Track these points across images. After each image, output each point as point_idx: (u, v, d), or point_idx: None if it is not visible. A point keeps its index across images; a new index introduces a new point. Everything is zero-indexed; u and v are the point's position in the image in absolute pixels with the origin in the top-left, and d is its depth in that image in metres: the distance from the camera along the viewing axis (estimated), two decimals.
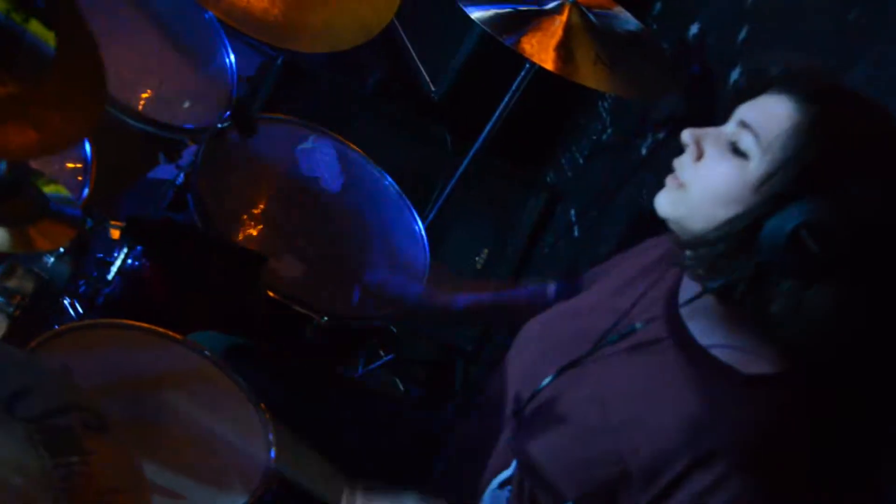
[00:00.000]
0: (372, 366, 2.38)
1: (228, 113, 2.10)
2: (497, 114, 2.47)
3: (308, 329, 1.98)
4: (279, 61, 2.79)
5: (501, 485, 1.48)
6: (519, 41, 2.10)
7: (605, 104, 2.96)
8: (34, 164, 1.61)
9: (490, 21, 2.13)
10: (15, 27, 1.15)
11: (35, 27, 1.19)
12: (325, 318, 1.96)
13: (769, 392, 1.27)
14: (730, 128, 1.27)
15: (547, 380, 1.41)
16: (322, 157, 2.33)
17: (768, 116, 1.23)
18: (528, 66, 2.37)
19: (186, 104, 2.09)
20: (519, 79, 2.40)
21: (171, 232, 1.98)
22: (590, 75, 2.12)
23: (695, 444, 1.24)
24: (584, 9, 2.23)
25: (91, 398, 1.19)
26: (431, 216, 2.63)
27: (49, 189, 1.57)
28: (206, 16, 2.18)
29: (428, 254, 2.29)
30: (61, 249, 1.74)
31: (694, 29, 2.51)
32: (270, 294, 1.93)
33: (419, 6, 2.82)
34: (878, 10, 1.83)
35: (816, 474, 1.26)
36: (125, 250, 1.90)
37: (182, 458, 1.49)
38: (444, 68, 2.99)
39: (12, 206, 1.39)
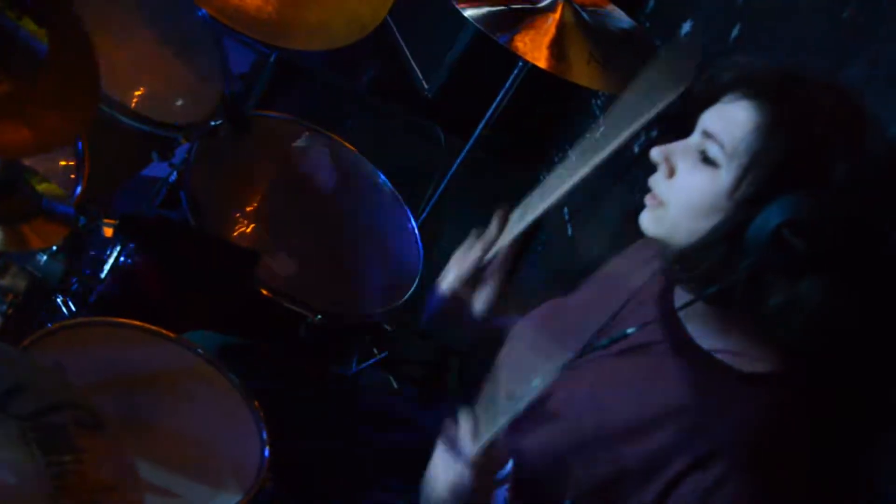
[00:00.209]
0: (365, 364, 2.38)
1: (222, 110, 2.10)
2: (490, 111, 2.47)
3: (301, 327, 1.98)
4: (273, 59, 2.79)
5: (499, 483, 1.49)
6: (512, 39, 2.10)
7: (599, 102, 2.96)
8: (27, 162, 1.61)
9: (483, 19, 2.13)
10: (8, 25, 1.15)
11: (28, 25, 1.18)
12: (319, 316, 1.96)
13: (767, 391, 1.27)
14: (695, 139, 1.27)
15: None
16: (316, 155, 2.33)
17: (729, 122, 1.23)
18: (521, 63, 2.37)
19: (179, 102, 2.09)
20: (512, 77, 2.40)
21: (164, 230, 1.97)
22: (583, 73, 2.13)
23: (694, 444, 1.24)
24: (577, 7, 2.24)
25: (84, 396, 1.19)
26: (425, 214, 2.63)
27: (42, 187, 1.57)
28: (200, 13, 2.18)
29: (421, 251, 2.29)
30: (54, 247, 1.73)
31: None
32: (264, 292, 1.93)
33: (413, 4, 2.82)
34: (873, 7, 1.83)
35: (815, 473, 1.27)
36: (118, 248, 1.89)
37: (176, 457, 1.49)
38: (437, 66, 2.99)
39: (5, 204, 1.38)
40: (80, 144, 1.84)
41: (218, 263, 1.93)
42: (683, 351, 1.32)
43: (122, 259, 1.89)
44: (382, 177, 2.39)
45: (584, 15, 2.24)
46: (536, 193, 1.53)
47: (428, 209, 2.65)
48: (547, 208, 1.50)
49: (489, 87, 2.48)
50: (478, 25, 2.12)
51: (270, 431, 1.59)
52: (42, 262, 1.77)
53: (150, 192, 2.20)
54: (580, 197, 2.83)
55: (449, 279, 1.57)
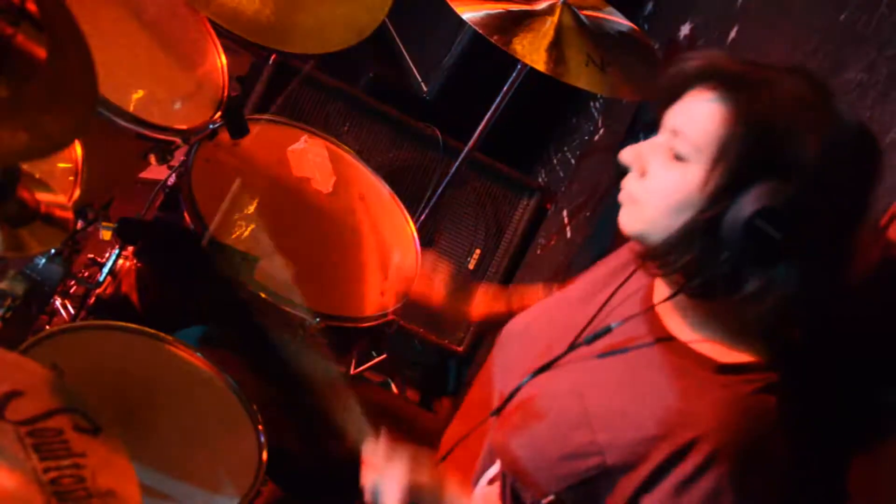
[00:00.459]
0: (364, 366, 2.38)
1: (220, 113, 2.10)
2: (489, 114, 2.47)
3: (299, 330, 1.97)
4: (270, 62, 2.79)
5: (490, 481, 1.49)
6: (510, 42, 2.10)
7: (597, 104, 2.97)
8: (25, 166, 1.61)
9: (482, 22, 2.13)
10: (5, 30, 1.15)
11: (25, 29, 1.18)
12: (317, 320, 1.96)
13: (746, 379, 1.28)
14: (663, 137, 1.28)
15: (527, 378, 1.42)
16: (313, 158, 2.33)
17: (694, 117, 1.24)
18: (519, 66, 2.37)
19: (177, 105, 2.08)
20: (511, 79, 2.40)
21: (162, 233, 1.97)
22: (581, 76, 2.12)
23: (674, 433, 1.25)
24: (575, 10, 2.24)
25: (82, 400, 1.19)
26: (423, 217, 2.63)
27: (40, 191, 1.57)
28: (198, 16, 2.18)
29: (420, 254, 2.29)
30: (52, 251, 1.73)
31: (685, 29, 2.51)
32: (262, 295, 1.93)
33: (411, 7, 2.83)
34: (871, 10, 1.83)
35: (796, 463, 1.27)
36: (116, 251, 1.90)
37: (174, 460, 1.49)
38: (436, 69, 3.00)
39: (2, 208, 1.38)
40: (77, 148, 1.84)
41: (215, 267, 1.93)
42: (663, 344, 1.33)
43: (120, 262, 1.89)
44: (380, 179, 2.39)
45: (583, 18, 2.24)
46: None
47: (426, 211, 2.65)
48: None
49: (487, 89, 2.48)
50: (476, 28, 2.12)
51: (268, 435, 1.59)
52: (40, 266, 1.77)
53: (148, 196, 2.20)
54: (579, 198, 2.84)
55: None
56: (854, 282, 1.28)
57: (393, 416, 1.90)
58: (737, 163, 1.19)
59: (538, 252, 3.01)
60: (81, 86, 1.28)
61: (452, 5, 2.15)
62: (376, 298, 2.17)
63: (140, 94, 2.02)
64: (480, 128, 2.50)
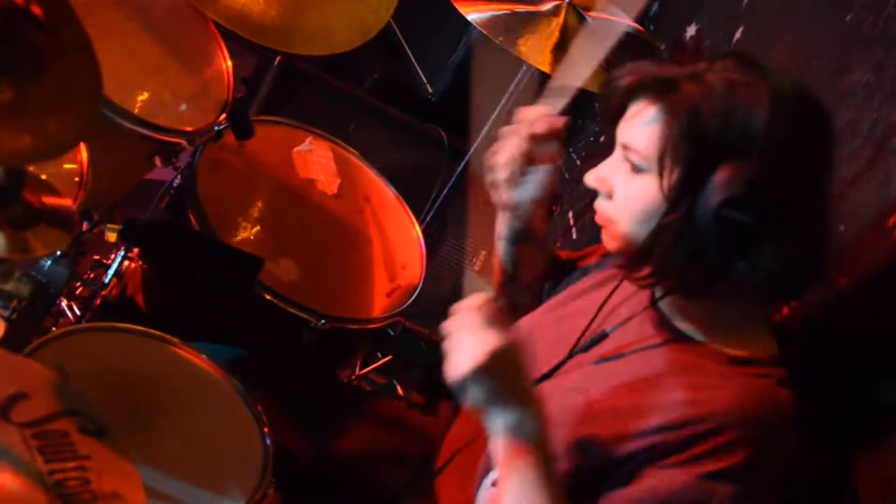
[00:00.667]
0: (369, 368, 2.38)
1: (225, 115, 2.10)
2: (494, 114, 2.47)
3: (305, 332, 1.98)
4: (276, 63, 2.79)
5: (494, 483, 1.48)
6: (515, 43, 2.10)
7: (602, 105, 2.96)
8: (30, 167, 1.61)
9: (487, 23, 2.13)
10: (10, 31, 1.15)
11: (30, 31, 1.18)
12: (322, 321, 1.96)
13: (759, 372, 1.28)
14: (618, 153, 1.31)
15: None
16: (319, 159, 2.33)
17: (639, 129, 1.26)
18: (524, 67, 2.37)
19: (183, 107, 2.09)
20: (516, 80, 2.40)
21: (167, 234, 1.97)
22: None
23: (691, 422, 1.24)
24: (580, 11, 2.23)
25: (88, 403, 1.19)
26: (429, 218, 2.63)
27: (45, 192, 1.57)
28: (203, 18, 2.18)
29: (425, 255, 2.29)
30: (58, 252, 1.73)
31: (691, 30, 2.51)
32: (267, 297, 1.93)
33: (416, 8, 2.83)
34: (877, 12, 1.83)
35: (803, 455, 1.27)
36: (122, 253, 1.90)
37: (179, 462, 1.49)
38: (441, 69, 2.99)
39: (8, 210, 1.38)
40: (83, 150, 1.84)
41: (222, 269, 1.93)
42: (672, 343, 1.33)
43: (125, 264, 1.89)
44: (386, 180, 2.39)
45: (588, 19, 2.24)
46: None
47: (432, 213, 2.64)
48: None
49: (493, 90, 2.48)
50: (481, 29, 2.12)
51: (274, 436, 1.59)
52: (46, 267, 1.77)
53: (154, 197, 2.20)
54: (585, 200, 2.83)
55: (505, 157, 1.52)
56: (861, 281, 1.28)
57: (400, 424, 1.90)
58: (686, 160, 1.20)
59: None
60: (86, 88, 1.28)
61: (457, 7, 2.15)
62: (382, 300, 2.18)
63: (145, 95, 2.03)
64: (486, 128, 2.50)
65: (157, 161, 2.08)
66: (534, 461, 1.20)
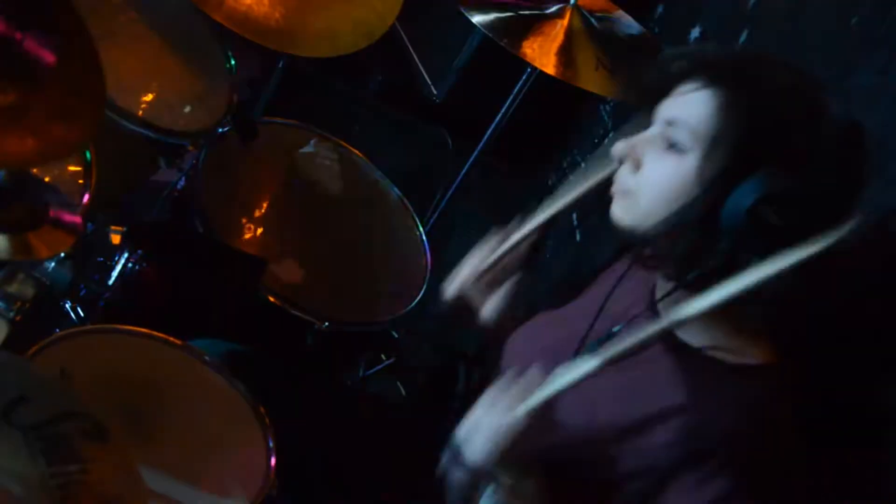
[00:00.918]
0: (373, 370, 2.38)
1: (229, 117, 2.10)
2: (499, 117, 2.47)
3: (309, 334, 1.97)
4: (280, 65, 2.79)
5: (495, 491, 1.48)
6: (520, 45, 2.10)
7: (607, 107, 2.96)
8: (35, 170, 1.61)
9: (491, 25, 2.13)
10: (14, 35, 1.15)
11: (34, 35, 1.19)
12: (326, 324, 1.96)
13: (754, 382, 1.27)
14: (657, 129, 1.27)
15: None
16: (323, 161, 2.33)
17: (690, 107, 1.23)
18: (529, 69, 2.37)
19: (187, 109, 2.09)
20: (521, 82, 2.40)
21: (171, 236, 1.98)
22: (591, 80, 2.12)
23: (686, 441, 1.24)
24: (585, 13, 2.23)
25: (90, 406, 1.19)
26: (433, 220, 2.63)
27: (49, 194, 1.57)
28: (208, 20, 2.18)
29: (429, 258, 2.29)
30: (62, 254, 1.74)
31: (695, 32, 2.50)
32: (271, 299, 1.93)
33: (421, 9, 2.82)
34: (882, 15, 1.83)
35: (810, 467, 1.27)
36: (126, 255, 1.90)
37: (182, 465, 1.49)
38: (446, 71, 2.99)
39: (12, 212, 1.39)
40: (87, 152, 1.84)
41: (225, 270, 1.93)
42: (670, 348, 1.32)
43: (129, 266, 1.89)
44: (390, 183, 2.39)
45: (593, 21, 2.24)
46: (549, 199, 1.54)
47: (436, 215, 2.64)
48: (556, 212, 1.51)
49: (497, 92, 2.47)
50: (486, 32, 2.12)
51: (277, 439, 1.59)
52: (50, 269, 1.77)
53: (158, 199, 2.21)
54: (589, 202, 2.82)
55: (460, 279, 1.57)
56: (860, 282, 1.27)
57: (404, 427, 1.90)
58: (734, 150, 1.18)
59: (547, 255, 3.00)
60: (91, 91, 1.28)
61: (462, 9, 2.15)
62: (385, 302, 2.17)
63: (150, 97, 2.03)
64: (490, 130, 2.49)
65: (162, 162, 2.09)
66: None
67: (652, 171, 1.26)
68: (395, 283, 2.23)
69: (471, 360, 2.87)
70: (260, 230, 2.14)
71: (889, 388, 1.41)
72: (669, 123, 1.25)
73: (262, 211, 2.18)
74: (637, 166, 1.28)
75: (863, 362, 1.43)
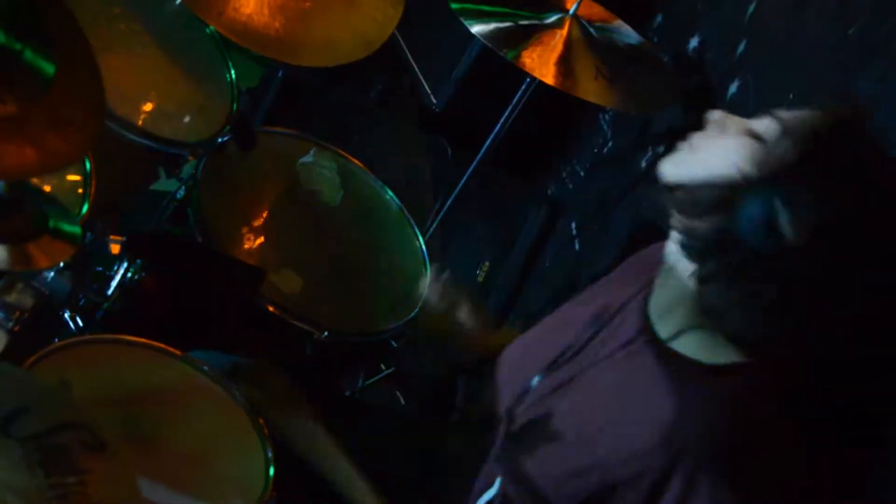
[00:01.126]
0: (372, 380, 2.38)
1: (229, 127, 2.10)
2: (498, 126, 2.47)
3: (308, 344, 1.97)
4: (280, 75, 2.79)
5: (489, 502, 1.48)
6: (520, 55, 2.10)
7: (606, 117, 2.96)
8: (34, 179, 1.61)
9: (491, 35, 2.13)
10: (13, 47, 1.15)
11: (34, 45, 1.19)
12: (325, 333, 1.95)
13: (733, 381, 1.28)
14: (757, 122, 1.28)
15: (529, 396, 1.42)
16: (322, 171, 2.33)
17: (798, 117, 1.24)
18: (528, 79, 2.37)
19: (187, 118, 2.09)
20: (520, 92, 2.40)
21: (170, 246, 1.97)
22: (590, 89, 2.12)
23: (666, 444, 1.24)
24: (584, 23, 2.23)
25: (88, 416, 1.19)
26: (432, 229, 2.63)
27: (49, 204, 1.57)
28: (207, 30, 2.19)
29: (428, 267, 2.29)
30: (61, 264, 1.73)
31: (694, 42, 2.51)
32: (270, 309, 1.93)
33: (421, 19, 2.83)
34: (880, 24, 1.83)
35: (792, 466, 1.27)
36: (125, 264, 1.89)
37: (180, 476, 1.48)
38: (445, 81, 2.99)
39: (11, 223, 1.38)
40: (87, 161, 1.85)
41: (224, 280, 1.92)
42: (652, 348, 1.33)
43: (128, 276, 1.89)
44: (389, 192, 2.39)
45: (592, 31, 2.24)
46: None
47: (435, 224, 2.64)
48: None
49: (497, 101, 2.48)
50: (485, 42, 2.12)
51: (275, 450, 1.58)
52: (49, 279, 1.77)
53: (157, 208, 2.21)
54: (588, 211, 2.83)
55: None
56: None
57: (402, 437, 1.90)
58: (802, 164, 1.19)
59: (547, 265, 3.01)
60: (90, 102, 1.28)
61: (462, 19, 2.15)
62: (385, 312, 2.17)
63: (149, 107, 2.03)
64: (489, 140, 2.50)
65: (162, 172, 2.09)
66: None
67: (727, 142, 1.27)
68: (393, 293, 2.23)
69: (470, 370, 2.87)
70: (259, 240, 2.14)
71: (889, 387, 1.40)
72: (772, 117, 1.26)
73: (262, 221, 2.18)
74: (721, 131, 1.29)
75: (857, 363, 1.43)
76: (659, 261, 1.42)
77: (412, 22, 2.34)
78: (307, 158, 2.31)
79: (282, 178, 2.29)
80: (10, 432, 1.08)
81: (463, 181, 2.60)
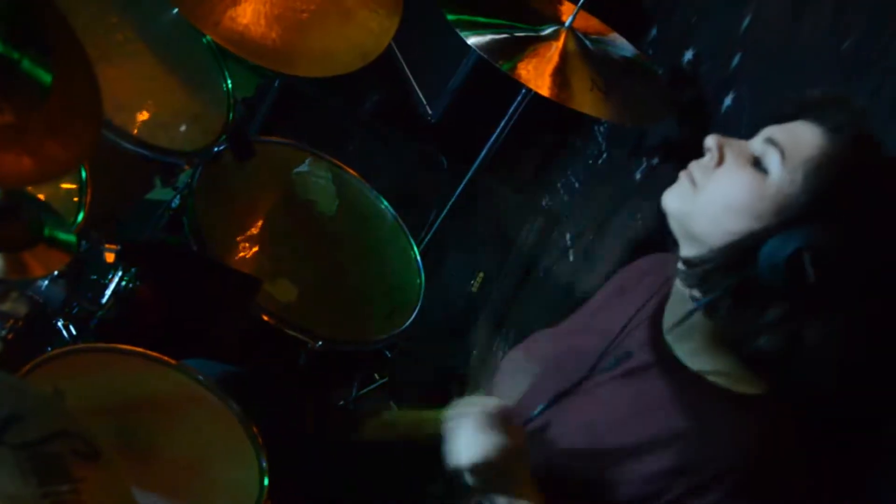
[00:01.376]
0: (366, 389, 2.38)
1: (225, 136, 2.11)
2: (493, 137, 2.48)
3: (302, 353, 1.97)
4: (276, 84, 2.79)
5: None
6: (515, 67, 2.11)
7: (601, 128, 2.97)
8: (29, 188, 1.61)
9: (486, 46, 2.14)
10: (10, 55, 1.15)
11: (31, 55, 1.19)
12: (320, 343, 1.95)
13: (759, 412, 1.28)
14: (756, 143, 1.29)
15: (540, 407, 1.41)
16: (318, 181, 2.33)
17: (796, 139, 1.25)
18: (524, 91, 2.38)
19: (183, 127, 2.09)
20: (515, 103, 2.41)
21: (166, 255, 1.97)
22: (585, 101, 2.13)
23: (689, 470, 1.24)
24: (580, 35, 2.24)
25: (82, 425, 1.18)
26: (427, 240, 2.63)
27: (44, 213, 1.57)
28: (204, 39, 2.19)
29: (423, 277, 2.29)
30: (55, 273, 1.73)
31: (688, 55, 2.52)
32: (265, 318, 1.93)
33: (417, 30, 2.84)
34: (873, 39, 1.84)
35: (810, 493, 1.26)
36: (120, 273, 1.89)
37: (174, 485, 1.48)
38: (441, 92, 3.00)
39: (7, 231, 1.38)
40: (83, 170, 1.85)
41: (219, 289, 1.92)
42: (673, 373, 1.32)
43: (123, 284, 1.89)
44: (384, 202, 2.40)
45: (587, 43, 2.25)
46: None
47: (430, 235, 2.65)
48: None
49: (492, 113, 2.48)
50: (481, 53, 2.13)
51: (270, 459, 1.58)
52: (43, 287, 1.77)
53: (152, 217, 2.21)
54: (583, 222, 2.84)
55: None
56: None
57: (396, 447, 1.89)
58: (816, 197, 1.20)
59: (541, 275, 3.01)
60: (87, 111, 1.28)
61: (458, 30, 2.16)
62: (379, 322, 2.17)
63: (145, 116, 2.03)
64: (485, 151, 2.50)
65: (157, 181, 2.09)
66: None
67: (728, 175, 1.27)
68: (388, 303, 2.23)
69: (464, 380, 2.86)
70: (254, 249, 2.14)
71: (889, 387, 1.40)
72: (770, 142, 1.26)
73: (257, 230, 2.18)
74: (720, 162, 1.29)
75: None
76: (656, 272, 1.42)
77: (408, 33, 2.35)
78: (303, 168, 2.32)
79: (277, 187, 2.29)
80: (4, 440, 1.08)
81: (458, 192, 2.61)
